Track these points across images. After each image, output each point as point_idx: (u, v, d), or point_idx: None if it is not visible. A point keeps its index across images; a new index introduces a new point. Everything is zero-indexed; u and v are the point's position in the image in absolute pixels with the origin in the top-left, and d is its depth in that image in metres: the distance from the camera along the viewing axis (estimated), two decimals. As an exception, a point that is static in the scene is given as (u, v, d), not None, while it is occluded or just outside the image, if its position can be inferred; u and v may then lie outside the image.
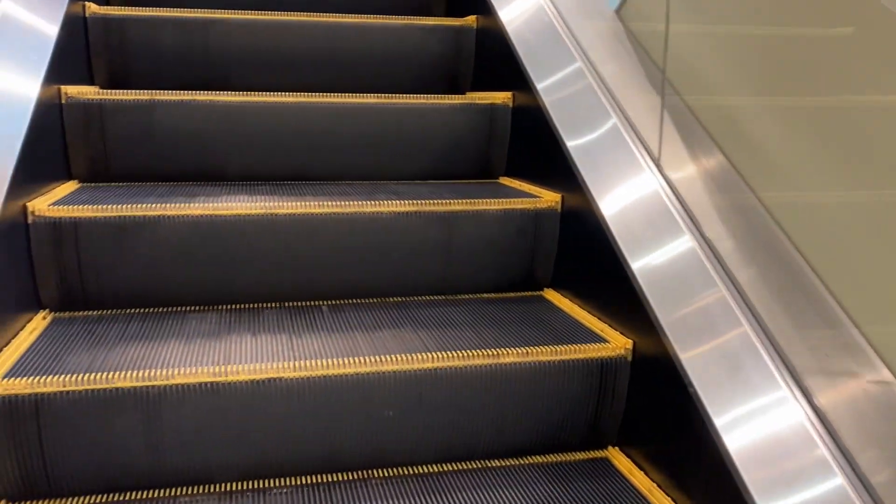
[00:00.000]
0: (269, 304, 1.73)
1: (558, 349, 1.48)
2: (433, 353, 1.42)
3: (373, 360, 1.40)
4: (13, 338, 1.44)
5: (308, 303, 1.75)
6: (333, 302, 1.76)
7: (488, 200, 1.81)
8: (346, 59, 2.36)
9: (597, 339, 1.54)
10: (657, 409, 1.42)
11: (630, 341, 1.50)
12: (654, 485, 1.39)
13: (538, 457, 1.52)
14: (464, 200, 1.79)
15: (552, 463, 1.50)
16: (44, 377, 1.28)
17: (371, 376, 1.39)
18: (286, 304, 1.74)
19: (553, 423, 1.50)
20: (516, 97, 2.13)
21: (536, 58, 2.02)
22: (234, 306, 1.71)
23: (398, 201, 1.76)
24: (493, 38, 2.28)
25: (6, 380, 1.26)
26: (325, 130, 2.07)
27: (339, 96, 2.07)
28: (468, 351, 1.44)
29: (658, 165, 1.57)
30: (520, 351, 1.46)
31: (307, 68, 2.34)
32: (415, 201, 1.76)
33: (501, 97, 2.15)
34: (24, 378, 1.27)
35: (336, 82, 2.32)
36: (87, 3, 2.16)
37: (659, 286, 1.41)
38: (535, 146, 2.02)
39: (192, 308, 1.69)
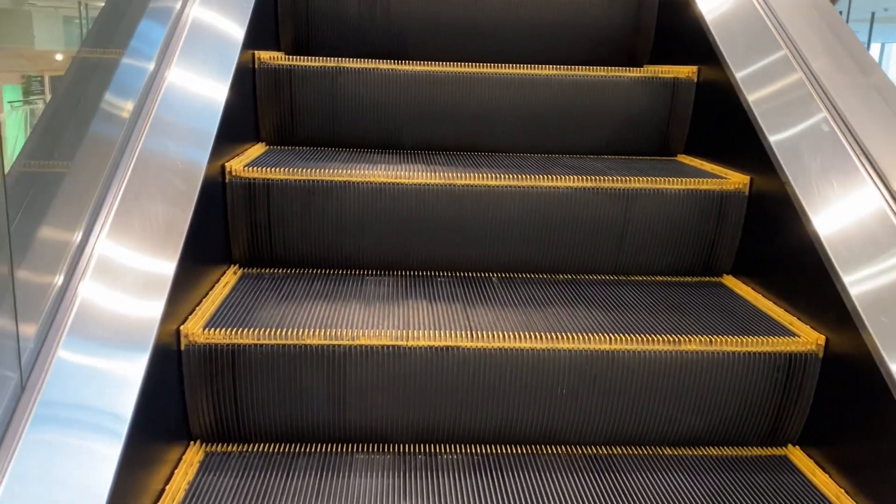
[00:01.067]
0: (441, 273, 1.76)
1: (743, 340, 1.41)
2: (610, 335, 1.39)
3: (548, 336, 1.39)
4: (210, 290, 1.54)
5: (478, 273, 1.76)
6: (503, 274, 1.76)
7: (670, 179, 1.74)
8: (523, 29, 2.33)
9: (785, 331, 1.45)
10: (850, 411, 1.33)
11: (822, 337, 1.40)
12: (842, 490, 1.30)
13: (712, 448, 1.46)
14: (644, 178, 1.74)
15: (727, 456, 1.44)
16: (239, 329, 1.36)
17: (546, 353, 1.38)
18: (457, 273, 1.76)
19: (731, 416, 1.44)
20: (702, 71, 2.03)
21: (729, 31, 1.91)
22: (408, 272, 1.75)
23: (576, 176, 1.72)
24: (678, 10, 2.18)
25: (206, 330, 1.35)
26: (500, 101, 2.06)
27: (515, 67, 2.05)
28: (648, 335, 1.40)
29: (874, 165, 1.44)
30: (702, 339, 1.40)
31: (483, 38, 2.33)
32: (593, 177, 1.72)
33: (686, 71, 2.06)
34: (222, 329, 1.35)
35: (512, 53, 2.29)
36: (278, -28, 2.24)
37: (868, 289, 1.31)
38: (721, 124, 1.92)
39: (370, 272, 1.74)
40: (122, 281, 1.19)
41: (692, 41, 2.06)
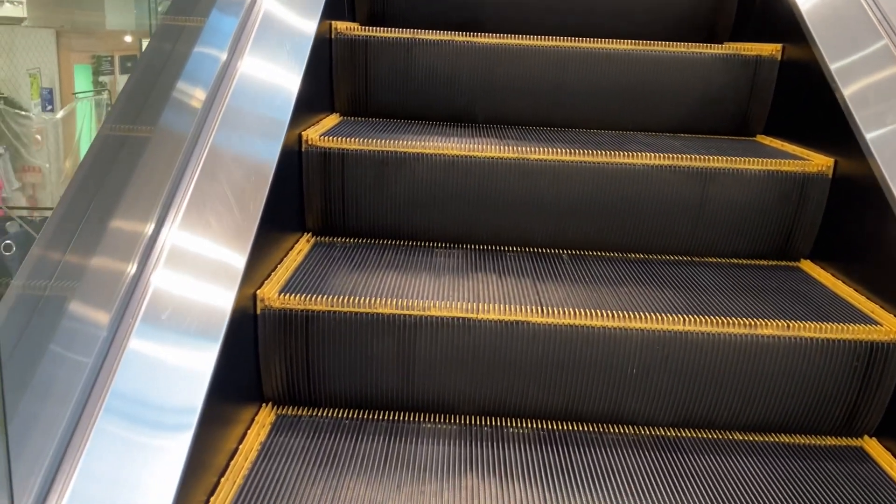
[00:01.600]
0: (510, 248, 1.75)
1: (822, 326, 1.37)
2: (685, 316, 1.37)
3: (620, 315, 1.37)
4: (284, 257, 1.57)
5: (548, 249, 1.75)
6: (573, 251, 1.75)
7: (750, 159, 1.69)
8: (601, 2, 2.29)
9: (866, 319, 1.41)
10: (934, 405, 1.29)
11: (907, 327, 1.36)
12: (921, 487, 1.27)
13: (784, 435, 1.43)
14: (723, 157, 1.69)
15: (799, 444, 1.41)
16: (313, 296, 1.38)
17: (618, 332, 1.37)
18: (527, 248, 1.75)
19: (805, 404, 1.41)
20: (787, 50, 1.96)
21: (819, 9, 1.83)
22: (477, 246, 1.75)
23: (652, 154, 1.69)
24: (763, -16, 2.11)
25: (282, 295, 1.38)
26: (575, 76, 2.03)
27: (592, 41, 2.01)
28: (722, 318, 1.37)
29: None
30: (779, 324, 1.37)
31: (561, 11, 2.30)
32: (670, 155, 1.69)
33: (770, 49, 1.99)
34: (297, 295, 1.38)
35: (590, 27, 2.25)
36: (355, -59, 2.24)
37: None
38: (805, 105, 1.86)
39: (439, 244, 1.75)
40: (206, 243, 1.22)
41: (777, 18, 1.99)
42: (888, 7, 1.71)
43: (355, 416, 1.42)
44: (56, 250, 1.08)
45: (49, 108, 8.51)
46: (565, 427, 1.41)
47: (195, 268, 1.18)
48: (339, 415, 1.41)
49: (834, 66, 1.70)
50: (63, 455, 0.89)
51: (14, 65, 8.36)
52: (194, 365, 1.08)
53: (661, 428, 1.43)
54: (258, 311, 1.36)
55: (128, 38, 9.22)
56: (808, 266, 1.72)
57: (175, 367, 1.05)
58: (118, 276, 1.07)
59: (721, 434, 1.43)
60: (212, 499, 1.12)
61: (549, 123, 2.06)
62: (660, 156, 1.69)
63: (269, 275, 1.44)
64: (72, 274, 1.05)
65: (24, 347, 0.95)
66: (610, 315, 1.37)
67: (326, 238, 1.75)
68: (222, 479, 1.17)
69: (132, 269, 1.09)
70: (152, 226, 1.15)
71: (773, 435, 1.43)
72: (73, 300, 1.03)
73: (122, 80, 9.13)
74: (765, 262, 1.74)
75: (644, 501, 1.21)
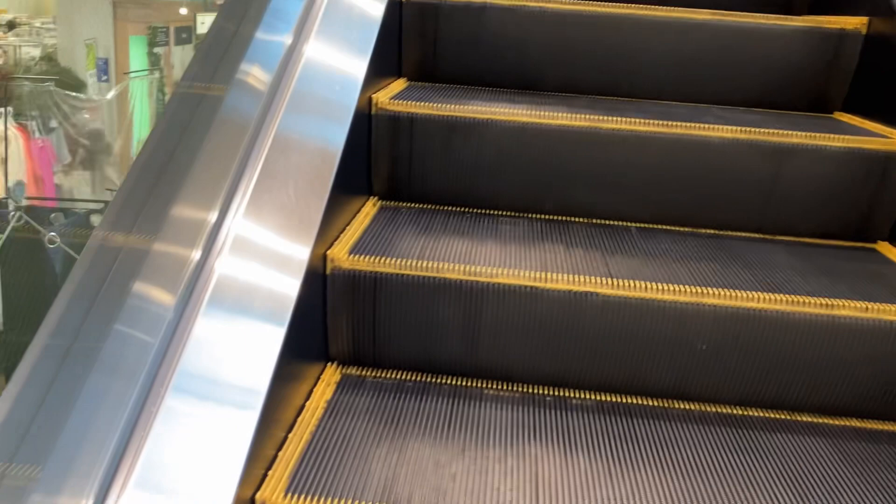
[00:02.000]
0: (577, 219, 1.73)
1: (904, 310, 1.33)
2: (759, 294, 1.34)
3: (693, 290, 1.35)
4: (352, 219, 1.57)
5: (617, 222, 1.72)
6: (643, 225, 1.72)
7: (829, 136, 1.64)
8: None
9: (950, 306, 1.36)
10: None
11: None
12: None
13: (855, 419, 1.40)
14: (801, 133, 1.64)
15: (871, 429, 1.38)
16: (381, 258, 1.38)
17: (689, 307, 1.34)
18: (594, 220, 1.73)
19: (882, 388, 1.37)
20: (873, 24, 1.89)
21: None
22: (543, 216, 1.73)
23: (728, 127, 1.64)
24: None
25: (351, 256, 1.38)
26: (647, 45, 1.98)
27: (666, 9, 1.96)
28: (798, 297, 1.34)
29: None
30: (857, 305, 1.33)
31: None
32: (747, 129, 1.64)
33: (855, 22, 1.91)
34: (366, 256, 1.38)
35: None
36: None
37: None
38: (891, 82, 1.79)
39: (504, 213, 1.74)
40: (283, 200, 1.23)
41: (864, -11, 1.92)
42: None
43: (419, 379, 1.42)
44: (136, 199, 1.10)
45: (104, 78, 8.59)
46: (630, 401, 1.40)
47: (271, 226, 1.19)
48: (403, 377, 1.42)
49: (924, 41, 1.63)
50: (142, 407, 0.92)
51: (72, 35, 8.47)
52: (269, 323, 1.09)
53: (727, 406, 1.40)
54: (328, 272, 1.37)
55: (183, 11, 9.29)
56: (885, 248, 1.66)
57: (251, 323, 1.07)
58: (197, 227, 1.09)
59: (789, 415, 1.40)
60: (280, 453, 1.14)
61: (620, 94, 2.02)
62: (736, 129, 1.64)
63: (338, 236, 1.45)
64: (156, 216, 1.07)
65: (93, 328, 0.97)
66: (682, 290, 1.35)
67: (392, 202, 1.75)
68: (290, 435, 1.19)
69: (213, 216, 1.10)
70: (229, 181, 1.16)
71: (844, 419, 1.40)
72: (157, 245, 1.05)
73: (176, 52, 9.18)
74: (840, 243, 1.69)
75: (710, 478, 1.19)
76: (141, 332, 0.97)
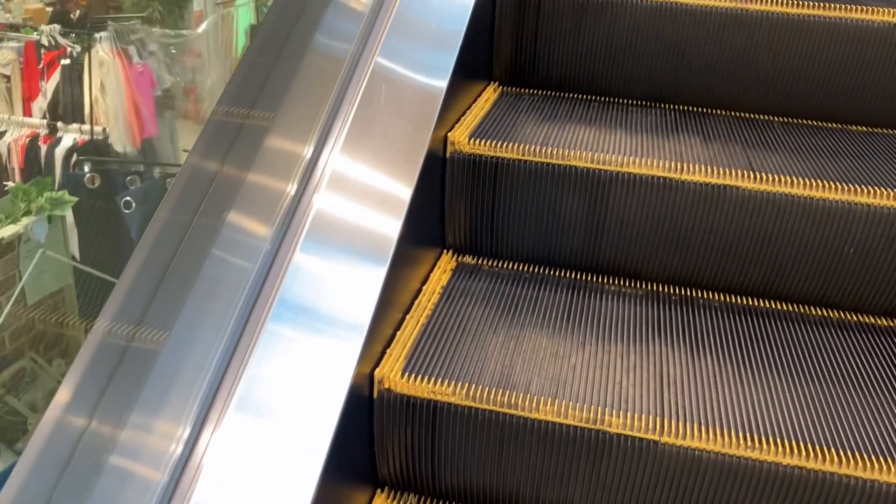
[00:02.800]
0: (715, 111, 1.60)
1: None
2: (922, 194, 1.20)
3: (843, 187, 1.22)
4: (472, 104, 1.51)
5: (759, 116, 1.58)
6: (788, 119, 1.57)
7: None
8: None
9: None
10: None
11: None
12: None
13: None
14: None
15: None
16: (503, 143, 1.32)
17: (838, 205, 1.22)
18: (734, 113, 1.60)
19: None
20: None
21: None
22: (678, 106, 1.61)
23: (894, 10, 1.46)
24: None
25: (471, 140, 1.32)
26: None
27: None
28: (970, 199, 1.20)
29: None
30: None
31: None
32: (918, 12, 1.45)
33: None
34: (487, 141, 1.32)
35: None
36: None
37: None
38: None
39: (635, 102, 1.62)
40: (400, 86, 1.18)
41: None
42: None
43: (537, 271, 1.37)
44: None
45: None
46: (764, 304, 1.31)
47: (393, 99, 1.14)
48: (521, 269, 1.38)
49: None
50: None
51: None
52: (387, 206, 1.06)
53: (873, 316, 1.29)
54: (447, 155, 1.32)
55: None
56: None
57: (371, 205, 1.04)
58: (312, 116, 1.05)
59: (941, 330, 1.28)
60: (398, 333, 1.13)
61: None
62: (905, 12, 1.46)
63: (459, 119, 1.39)
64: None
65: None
66: (832, 186, 1.22)
67: (514, 88, 1.66)
68: (407, 317, 1.18)
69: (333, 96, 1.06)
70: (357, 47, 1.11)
71: None
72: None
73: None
74: None
75: (851, 385, 1.11)
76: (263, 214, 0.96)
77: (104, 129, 4.21)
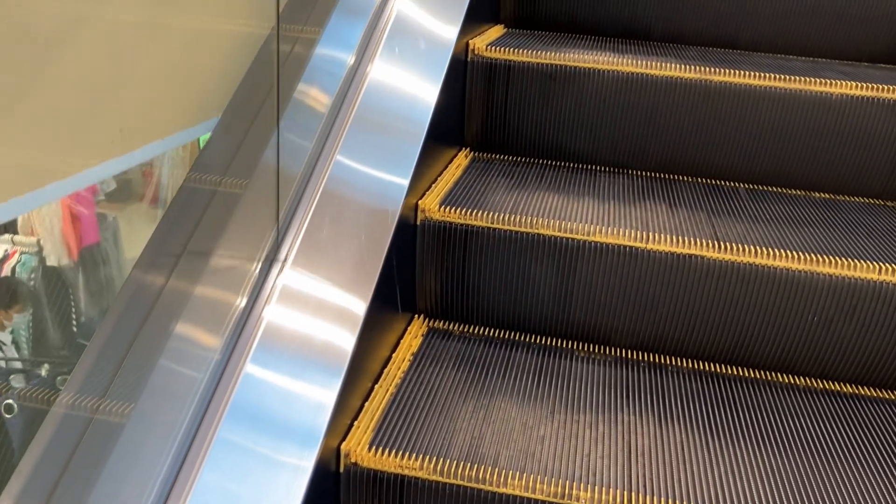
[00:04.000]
0: (681, 177, 1.64)
1: None
2: (879, 264, 1.23)
3: (806, 257, 1.25)
4: (444, 170, 1.53)
5: (725, 182, 1.62)
6: (752, 186, 1.61)
7: (970, 95, 1.49)
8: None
9: None
10: None
11: None
12: None
13: (981, 407, 1.28)
14: (938, 92, 1.50)
15: None
16: (473, 210, 1.34)
17: (801, 275, 1.25)
18: (700, 179, 1.63)
19: None
20: None
21: None
22: (645, 173, 1.64)
23: (852, 83, 1.51)
24: None
25: (442, 207, 1.34)
26: (764, -6, 1.84)
27: (789, -45, 1.81)
28: (927, 270, 1.23)
29: None
30: None
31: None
32: (872, 86, 1.51)
33: None
34: (457, 209, 1.34)
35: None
36: None
37: None
38: None
39: (604, 168, 1.66)
40: (370, 154, 1.19)
41: None
42: None
43: (507, 336, 1.38)
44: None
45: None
46: (731, 371, 1.32)
47: (361, 176, 1.16)
48: (491, 333, 1.38)
49: None
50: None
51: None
52: (359, 270, 1.07)
53: (838, 383, 1.31)
54: (418, 223, 1.33)
55: None
56: None
57: (343, 270, 1.04)
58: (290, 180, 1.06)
59: (903, 396, 1.30)
60: (366, 404, 1.12)
61: (732, 45, 1.89)
62: (860, 85, 1.51)
63: (429, 187, 1.40)
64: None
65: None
66: (794, 256, 1.25)
67: (485, 154, 1.69)
68: (376, 386, 1.17)
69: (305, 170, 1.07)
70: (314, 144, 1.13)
71: (967, 404, 1.29)
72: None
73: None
74: (973, 213, 1.55)
75: (818, 453, 1.11)
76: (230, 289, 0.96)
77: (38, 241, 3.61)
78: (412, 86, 1.32)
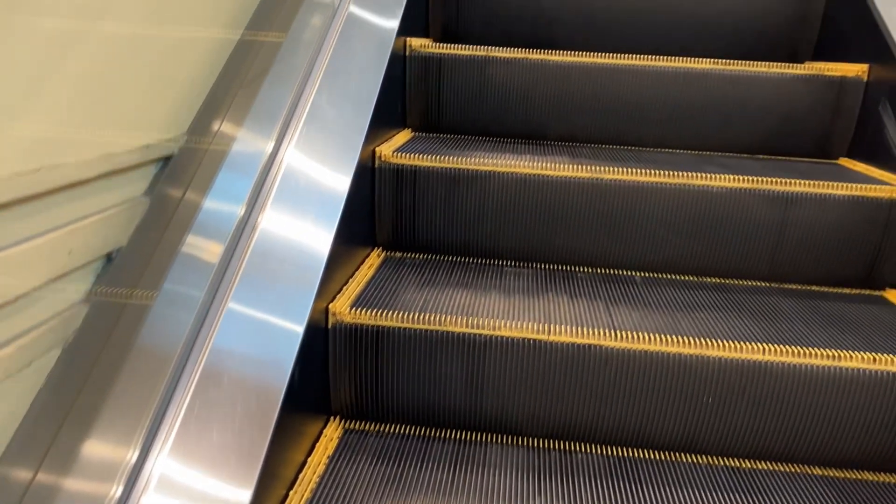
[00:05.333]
0: (581, 268, 1.73)
1: (912, 361, 1.31)
2: (764, 345, 1.33)
3: (697, 342, 1.33)
4: (356, 271, 1.58)
5: (621, 271, 1.72)
6: (647, 274, 1.71)
7: (833, 184, 1.64)
8: (678, 19, 2.25)
9: (959, 356, 1.34)
10: None
11: None
12: None
13: (868, 472, 1.37)
14: (805, 182, 1.64)
15: (886, 483, 1.35)
16: (383, 311, 1.38)
17: (693, 359, 1.33)
18: (598, 269, 1.73)
19: (889, 441, 1.34)
20: (873, 70, 1.90)
21: (911, 27, 1.77)
22: (547, 266, 1.73)
23: (731, 176, 1.65)
24: (848, 3, 2.04)
25: (353, 310, 1.38)
26: (650, 94, 2.00)
27: (669, 60, 1.98)
28: (803, 348, 1.32)
29: None
30: (865, 356, 1.31)
31: (636, 29, 2.27)
32: (750, 178, 1.64)
33: (855, 70, 1.92)
34: (368, 310, 1.38)
35: (666, 44, 2.22)
36: (432, -41, 2.26)
37: None
38: (891, 128, 1.79)
39: (509, 263, 1.74)
40: (280, 261, 1.23)
41: (863, 37, 1.93)
42: None
43: (423, 433, 1.41)
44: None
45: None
46: (636, 454, 1.38)
47: (273, 281, 1.19)
48: (407, 431, 1.41)
49: (926, 89, 1.63)
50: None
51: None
52: (269, 380, 1.09)
53: (736, 459, 1.38)
54: (330, 326, 1.37)
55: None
56: (893, 295, 1.65)
57: (249, 384, 1.07)
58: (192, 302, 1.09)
59: (800, 468, 1.37)
60: (281, 512, 1.13)
61: (624, 143, 2.03)
62: (739, 178, 1.65)
63: (341, 289, 1.45)
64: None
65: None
66: (686, 341, 1.33)
67: (397, 253, 1.75)
68: (291, 492, 1.18)
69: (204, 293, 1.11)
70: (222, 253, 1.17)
71: (856, 472, 1.37)
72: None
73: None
74: (848, 291, 1.68)
75: (719, 536, 1.17)
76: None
77: None
78: (317, 196, 1.38)
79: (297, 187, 1.36)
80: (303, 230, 1.32)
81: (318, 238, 1.32)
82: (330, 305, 1.37)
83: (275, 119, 1.44)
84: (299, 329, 1.16)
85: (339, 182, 1.43)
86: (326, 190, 1.41)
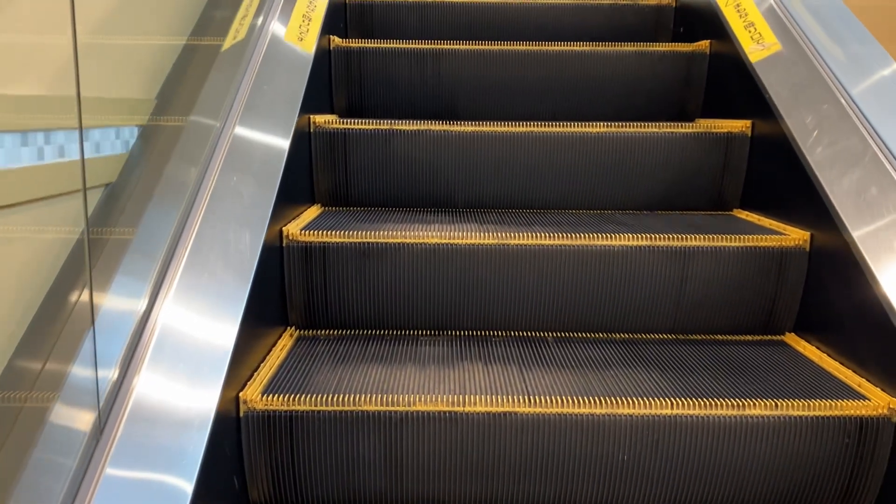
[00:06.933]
0: (495, 333, 1.75)
1: (810, 404, 1.36)
2: (672, 399, 1.36)
3: (607, 401, 1.36)
4: (267, 354, 1.55)
5: (534, 333, 1.74)
6: (559, 334, 1.74)
7: (727, 236, 1.71)
8: (571, 87, 2.35)
9: (854, 394, 1.40)
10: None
11: (895, 400, 1.35)
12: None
13: (780, 518, 1.41)
14: (700, 236, 1.71)
15: (797, 526, 1.39)
16: (297, 395, 1.36)
17: (605, 418, 1.36)
18: (512, 333, 1.75)
19: (800, 484, 1.39)
20: (757, 125, 2.01)
21: (784, 85, 1.89)
22: (462, 333, 1.75)
23: (630, 234, 1.71)
24: (730, 65, 2.17)
25: (265, 396, 1.36)
26: (551, 159, 2.06)
27: (563, 125, 2.05)
28: (710, 399, 1.37)
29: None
30: (767, 403, 1.36)
31: (532, 97, 2.36)
32: (648, 235, 1.71)
33: (739, 126, 2.04)
34: (280, 395, 1.36)
35: (562, 110, 2.31)
36: (332, 37, 2.31)
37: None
38: (778, 179, 1.89)
39: (423, 332, 1.74)
40: (184, 352, 1.21)
41: (746, 95, 2.05)
42: (849, 81, 1.76)
43: (343, 517, 1.38)
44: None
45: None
46: (558, 519, 1.39)
47: (178, 377, 1.17)
48: (327, 516, 1.38)
49: (803, 141, 1.74)
50: None
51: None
52: (177, 478, 1.06)
53: (656, 515, 1.40)
54: (241, 415, 1.34)
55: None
56: (792, 339, 1.72)
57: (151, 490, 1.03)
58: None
59: (717, 518, 1.40)
60: None
61: (529, 206, 2.08)
62: (638, 236, 1.71)
63: (252, 375, 1.42)
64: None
65: None
66: (597, 401, 1.36)
67: (310, 331, 1.74)
68: None
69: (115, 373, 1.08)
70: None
71: (769, 517, 1.41)
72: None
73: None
74: (750, 337, 1.74)
75: None
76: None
77: None
78: (217, 286, 1.36)
79: (198, 279, 1.34)
80: (204, 323, 1.30)
81: (222, 329, 1.30)
82: (240, 394, 1.34)
83: (177, 203, 1.43)
84: (205, 425, 1.13)
85: (245, 265, 1.42)
86: (232, 274, 1.40)
